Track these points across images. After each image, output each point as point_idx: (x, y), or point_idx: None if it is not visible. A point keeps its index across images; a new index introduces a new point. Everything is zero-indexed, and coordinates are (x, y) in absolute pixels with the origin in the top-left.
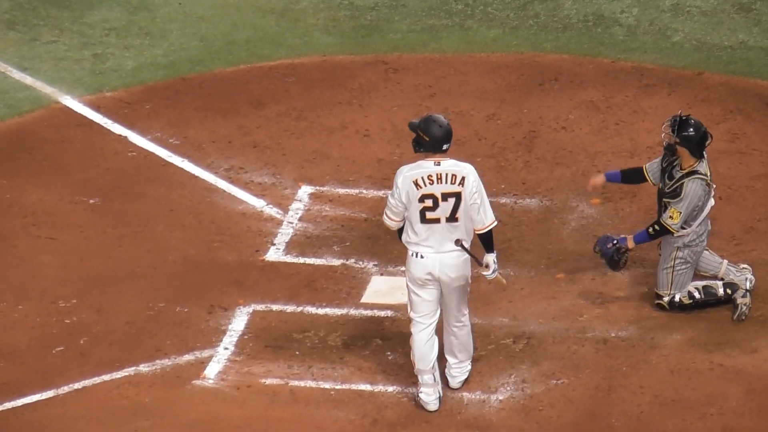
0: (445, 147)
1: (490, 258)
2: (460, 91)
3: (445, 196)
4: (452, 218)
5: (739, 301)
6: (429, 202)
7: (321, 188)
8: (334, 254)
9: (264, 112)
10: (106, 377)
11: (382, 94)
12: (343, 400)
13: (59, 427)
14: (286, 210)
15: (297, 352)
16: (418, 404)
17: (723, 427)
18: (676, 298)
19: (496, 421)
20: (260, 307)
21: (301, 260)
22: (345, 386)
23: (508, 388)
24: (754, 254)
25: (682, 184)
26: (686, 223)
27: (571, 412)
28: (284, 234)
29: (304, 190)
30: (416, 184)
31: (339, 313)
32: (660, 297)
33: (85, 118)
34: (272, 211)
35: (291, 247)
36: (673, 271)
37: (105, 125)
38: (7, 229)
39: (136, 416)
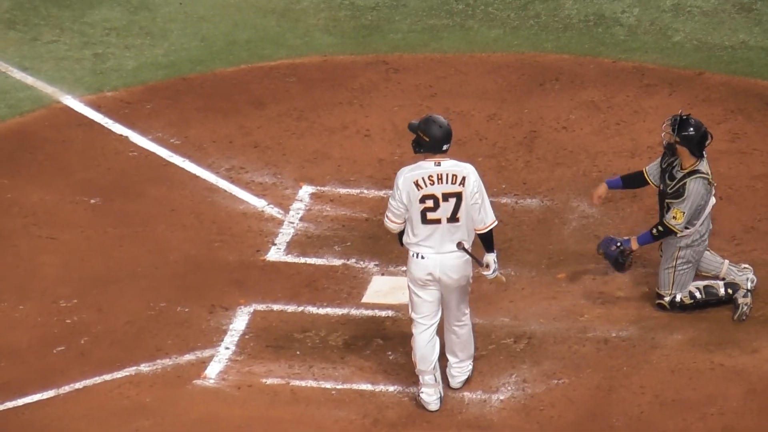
0: (445, 147)
1: (491, 258)
2: (460, 91)
3: (446, 197)
4: (453, 218)
5: (740, 301)
6: (430, 203)
7: (322, 188)
8: (335, 254)
9: (265, 112)
10: (107, 377)
11: (382, 94)
12: (344, 399)
13: (60, 427)
14: (287, 210)
15: (298, 352)
16: (419, 404)
17: (723, 427)
18: (677, 298)
19: (497, 421)
20: (261, 306)
21: (302, 260)
22: (346, 386)
23: (509, 388)
24: (754, 254)
25: (685, 183)
26: (689, 223)
27: (572, 411)
28: (285, 234)
29: (305, 190)
30: (417, 184)
31: (340, 313)
32: (661, 297)
33: (86, 117)
34: (273, 211)
35: (292, 247)
36: (674, 271)
37: (106, 125)
38: (8, 229)
39: (136, 416)
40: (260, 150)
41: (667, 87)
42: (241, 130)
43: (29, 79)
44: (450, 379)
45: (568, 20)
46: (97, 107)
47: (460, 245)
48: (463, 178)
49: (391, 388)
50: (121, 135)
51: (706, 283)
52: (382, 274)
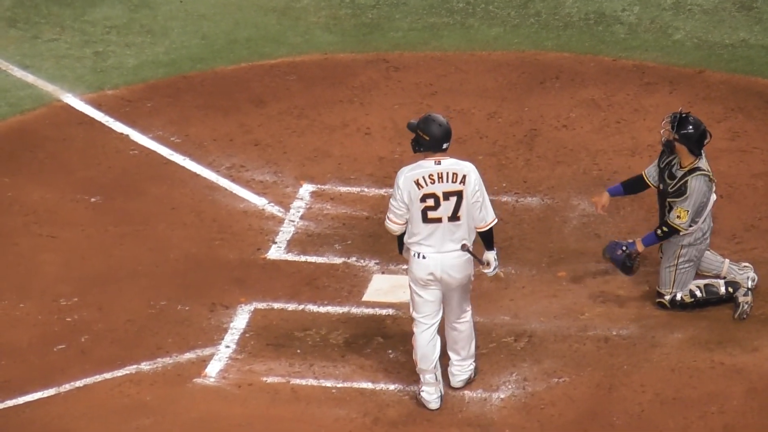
0: (445, 146)
1: (491, 255)
2: (461, 89)
3: (447, 195)
4: (454, 217)
5: (741, 299)
6: (431, 202)
7: (322, 186)
8: (335, 252)
9: (265, 111)
10: (108, 375)
11: (383, 92)
12: (345, 398)
13: (60, 425)
14: (287, 208)
15: (298, 351)
16: (419, 403)
17: (724, 426)
18: (678, 297)
19: (497, 420)
20: (261, 305)
21: (303, 258)
22: (346, 384)
23: (510, 387)
24: (755, 252)
25: (686, 181)
26: (692, 221)
27: (573, 410)
28: (285, 232)
29: (306, 189)
30: (417, 183)
31: (340, 312)
32: (661, 295)
33: (87, 116)
34: (273, 209)
35: (292, 245)
36: (676, 269)
37: (106, 123)
38: (9, 227)
39: (137, 414)
40: (261, 148)
41: (667, 85)
42: (241, 129)
43: (30, 78)
44: (451, 378)
45: (568, 18)
46: (98, 105)
47: (464, 247)
48: (464, 177)
49: (392, 387)
50: (121, 133)
51: (706, 281)
52: (383, 273)
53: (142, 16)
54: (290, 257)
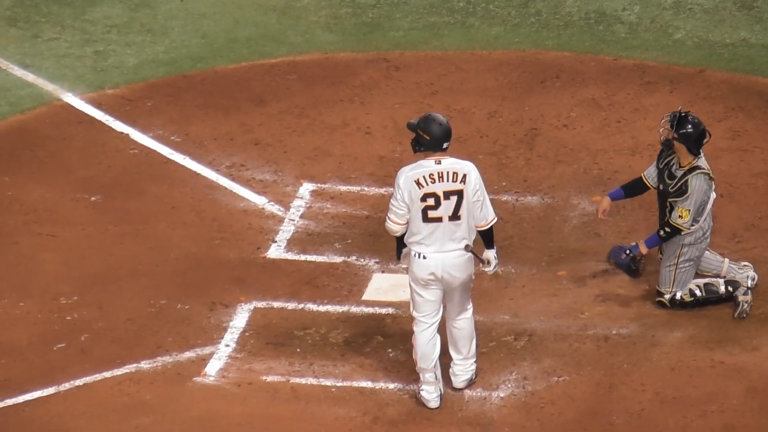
0: (445, 145)
1: (491, 254)
2: (461, 88)
3: (447, 195)
4: (455, 217)
5: (741, 298)
6: (431, 201)
7: (322, 185)
8: (335, 251)
9: (265, 110)
10: (107, 374)
11: (383, 91)
12: (344, 397)
13: (60, 424)
14: (287, 207)
15: (298, 350)
16: (419, 401)
17: (724, 425)
18: (678, 296)
19: (497, 418)
20: (261, 304)
21: (303, 257)
22: (346, 383)
23: (510, 385)
24: (755, 252)
25: (687, 181)
26: (693, 219)
27: (573, 409)
28: (285, 231)
29: (306, 188)
30: (418, 183)
31: (340, 311)
32: (661, 294)
33: (87, 115)
34: (274, 208)
35: (292, 244)
36: (676, 268)
37: (106, 122)
38: (9, 226)
39: (137, 413)
40: (261, 147)
41: (667, 84)
42: (241, 128)
43: (30, 77)
44: (453, 378)
45: (569, 18)
46: (98, 104)
47: (468, 248)
48: (464, 176)
49: (392, 386)
50: (121, 132)
51: (706, 280)
52: (383, 272)
53: (143, 15)
54: (290, 256)
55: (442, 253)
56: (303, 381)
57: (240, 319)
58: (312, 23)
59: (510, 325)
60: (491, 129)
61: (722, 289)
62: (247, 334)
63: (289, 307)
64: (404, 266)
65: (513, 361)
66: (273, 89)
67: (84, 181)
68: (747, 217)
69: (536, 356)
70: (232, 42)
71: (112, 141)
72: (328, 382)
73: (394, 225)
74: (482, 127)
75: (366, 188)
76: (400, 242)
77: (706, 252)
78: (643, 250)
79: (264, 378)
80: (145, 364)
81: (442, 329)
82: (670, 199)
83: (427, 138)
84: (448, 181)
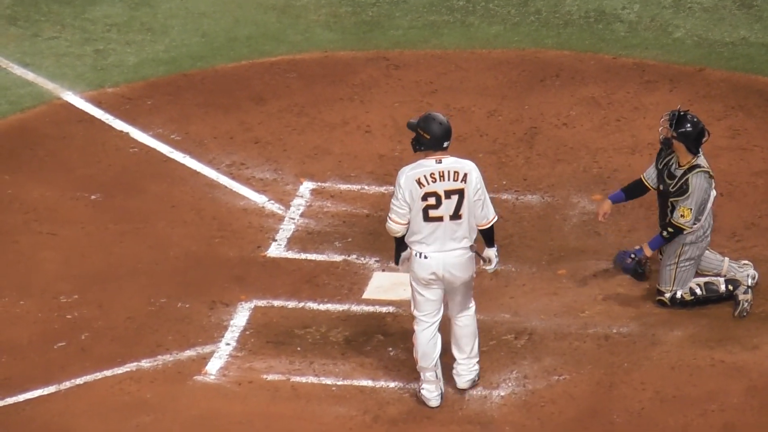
0: (445, 144)
1: (492, 252)
2: (461, 87)
3: (448, 194)
4: (456, 216)
5: (741, 297)
6: (432, 200)
7: (322, 184)
8: (335, 250)
9: (265, 108)
10: (108, 373)
11: (383, 90)
12: (345, 396)
13: (60, 423)
14: (287, 206)
15: (298, 348)
16: (419, 400)
17: (724, 424)
18: (678, 295)
19: (497, 417)
20: (262, 302)
21: (303, 256)
22: (346, 382)
23: (510, 384)
24: (755, 251)
25: (687, 179)
26: (695, 218)
27: (573, 408)
28: (286, 230)
29: (306, 186)
30: (419, 182)
31: (340, 309)
32: (661, 293)
33: (87, 114)
34: (274, 207)
35: (292, 242)
36: (676, 267)
37: (106, 121)
38: (9, 225)
39: (137, 412)
40: (261, 146)
41: (667, 83)
42: (241, 126)
43: (30, 75)
44: (456, 379)
45: (568, 16)
46: (98, 103)
47: (472, 248)
48: (465, 175)
49: (392, 385)
50: (121, 131)
51: (706, 279)
52: (383, 270)
53: (143, 14)
54: (290, 255)
55: (443, 253)
56: (303, 380)
57: (240, 317)
58: (312, 22)
59: (510, 324)
60: (491, 128)
61: (722, 287)
62: (247, 332)
63: (290, 306)
64: (402, 271)
65: (513, 360)
66: (273, 88)
67: (84, 179)
68: (747, 215)
69: (536, 355)
70: (232, 41)
71: (112, 140)
72: (328, 381)
73: (396, 225)
74: (482, 125)
75: (366, 187)
76: (400, 245)
77: (706, 251)
78: (648, 252)
79: (264, 376)
80: (145, 363)
81: (445, 328)
82: (671, 199)
83: (428, 137)
84: (449, 180)
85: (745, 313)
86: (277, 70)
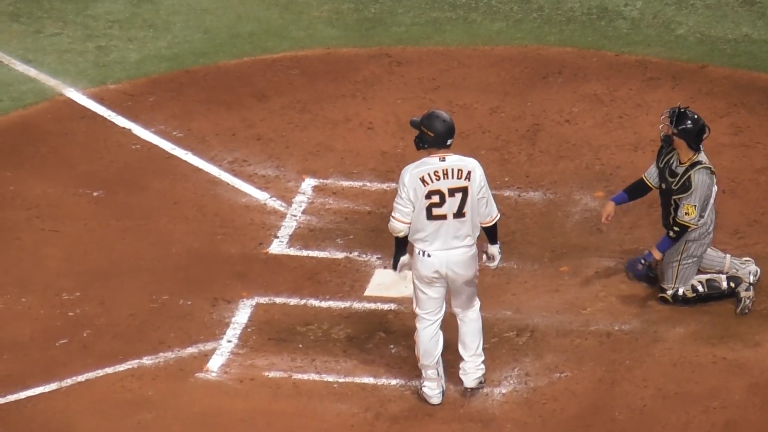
0: (449, 142)
1: (495, 249)
2: (463, 84)
3: (452, 192)
4: (459, 214)
5: (743, 294)
6: (436, 198)
7: (324, 181)
8: (337, 247)
9: (268, 105)
10: (110, 370)
11: (385, 86)
12: (346, 393)
13: (62, 420)
14: (289, 203)
15: (300, 345)
16: (421, 398)
17: (726, 421)
18: (680, 292)
19: (499, 414)
20: (263, 299)
21: (305, 253)
22: (348, 379)
23: (512, 381)
24: (758, 248)
25: (689, 176)
26: (699, 215)
27: (575, 405)
28: (288, 227)
29: (308, 183)
30: (423, 180)
31: (342, 306)
32: (664, 290)
33: (89, 110)
34: (276, 203)
35: (294, 239)
36: (679, 265)
37: (109, 117)
38: (11, 222)
39: (139, 409)
40: (263, 142)
41: (670, 80)
42: (243, 123)
43: (32, 72)
44: (464, 378)
45: (571, 13)
46: (100, 100)
47: (484, 248)
48: (469, 173)
49: (394, 382)
50: (123, 127)
51: (708, 276)
52: (385, 267)
53: (145, 10)
54: (292, 252)
55: (446, 251)
56: (305, 377)
57: (242, 314)
58: (314, 18)
59: (512, 321)
60: (493, 124)
61: (724, 285)
62: (249, 329)
63: (291, 303)
64: (400, 277)
65: (515, 357)
66: (275, 84)
67: (86, 176)
68: (749, 212)
69: (538, 352)
70: (234, 37)
71: (115, 136)
72: (330, 378)
73: (399, 224)
74: (484, 122)
75: (368, 183)
76: (400, 247)
77: (708, 249)
78: (657, 256)
79: (266, 374)
80: (147, 360)
81: (447, 326)
82: (674, 197)
83: (431, 135)
84: (453, 178)
85: (747, 311)
86: (280, 67)
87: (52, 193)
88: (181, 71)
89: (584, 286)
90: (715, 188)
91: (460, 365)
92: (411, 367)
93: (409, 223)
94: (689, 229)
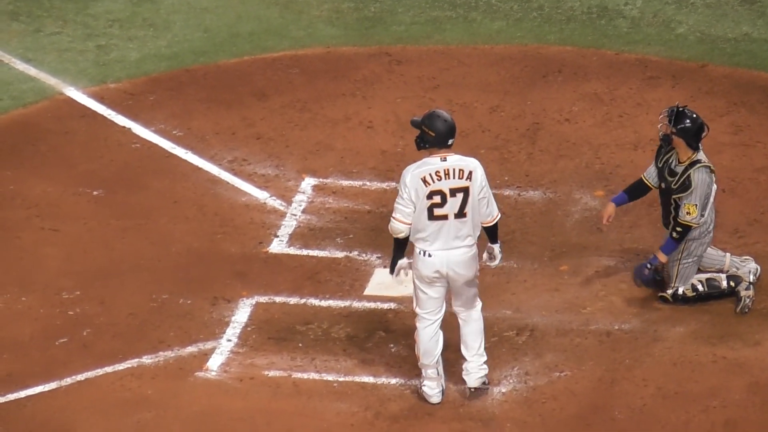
0: (450, 142)
1: (495, 248)
2: (463, 83)
3: (453, 192)
4: (461, 214)
5: (743, 293)
6: (437, 199)
7: (324, 180)
8: (337, 246)
9: (268, 104)
10: (109, 369)
11: (385, 85)
12: (346, 392)
13: (62, 419)
14: (289, 202)
15: (300, 344)
16: (420, 397)
17: (726, 420)
18: (680, 291)
19: (498, 414)
20: (263, 299)
21: (305, 252)
22: (348, 378)
23: (511, 381)
24: (758, 247)
25: (689, 175)
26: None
27: (574, 404)
28: (287, 226)
29: (308, 182)
30: (424, 180)
31: (342, 305)
32: (664, 290)
33: (89, 109)
34: (276, 203)
35: (294, 239)
36: (679, 264)
37: (109, 117)
38: (11, 221)
39: (139, 408)
40: (263, 142)
41: (670, 79)
42: (243, 122)
43: (32, 71)
44: (467, 378)
45: (571, 12)
46: (100, 99)
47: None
48: (470, 173)
49: (393, 381)
50: (123, 127)
51: (708, 275)
52: (385, 267)
53: (145, 9)
54: (292, 251)
55: (446, 251)
56: (305, 376)
57: (242, 313)
58: (314, 17)
59: (512, 320)
60: (493, 123)
61: (724, 284)
62: (249, 328)
63: (291, 302)
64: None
65: (515, 356)
66: (275, 83)
67: (86, 175)
68: (749, 212)
69: (538, 351)
70: (234, 36)
71: (115, 135)
72: (330, 377)
73: (400, 225)
74: (484, 121)
75: (368, 183)
76: (399, 250)
77: (708, 249)
78: (662, 259)
79: (266, 373)
80: (147, 359)
81: (448, 326)
82: (674, 196)
83: (432, 135)
84: (454, 178)
85: (746, 310)
86: (280, 66)
87: (52, 193)
88: (181, 70)
89: (584, 286)
90: (714, 187)
91: (463, 366)
92: (411, 367)
93: (410, 224)
94: (692, 229)
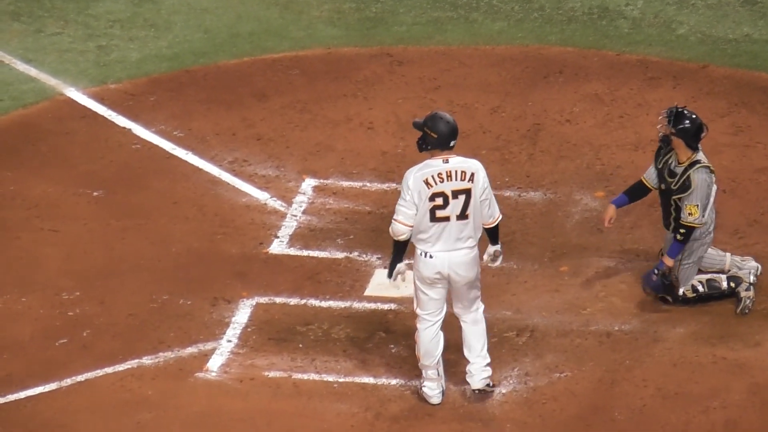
0: (452, 144)
1: (497, 249)
2: (464, 83)
3: (456, 194)
4: (462, 216)
5: (743, 294)
6: (439, 200)
7: (325, 181)
8: (337, 247)
9: (268, 105)
10: (109, 370)
11: (386, 86)
12: (346, 393)
13: (62, 420)
14: (289, 203)
15: (300, 345)
16: (421, 398)
17: (726, 421)
18: (680, 292)
19: (499, 414)
20: (264, 299)
21: (305, 253)
22: (348, 379)
23: (512, 381)
24: (757, 247)
25: (689, 176)
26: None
27: (575, 405)
28: (288, 227)
29: (308, 183)
30: (427, 182)
31: (342, 306)
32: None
33: (89, 110)
34: (276, 203)
35: (294, 239)
36: (680, 265)
37: (109, 117)
38: (11, 221)
39: (139, 409)
40: (263, 142)
41: (671, 80)
42: (244, 123)
43: (33, 71)
44: (470, 380)
45: (572, 13)
46: (101, 99)
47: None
48: (472, 175)
49: (394, 382)
50: (124, 127)
51: (708, 276)
52: (385, 267)
53: (146, 10)
54: (292, 252)
55: (448, 252)
56: (305, 377)
57: (242, 314)
58: (315, 18)
59: (512, 321)
60: (494, 124)
61: (725, 284)
62: (249, 329)
63: (291, 303)
64: (393, 286)
65: (515, 357)
66: (275, 84)
67: (86, 176)
68: (749, 212)
69: (538, 352)
70: (234, 37)
71: (115, 136)
72: (330, 378)
73: (402, 227)
74: (485, 122)
75: (368, 184)
76: (398, 253)
77: (709, 249)
78: (669, 263)
79: (266, 373)
80: (146, 360)
81: (449, 327)
82: (674, 197)
83: (435, 136)
84: (456, 180)
85: (747, 310)
86: (280, 67)
87: (52, 193)
88: (182, 71)
89: (584, 286)
90: (714, 187)
91: (467, 368)
92: (411, 367)
93: (412, 226)
94: (695, 230)
